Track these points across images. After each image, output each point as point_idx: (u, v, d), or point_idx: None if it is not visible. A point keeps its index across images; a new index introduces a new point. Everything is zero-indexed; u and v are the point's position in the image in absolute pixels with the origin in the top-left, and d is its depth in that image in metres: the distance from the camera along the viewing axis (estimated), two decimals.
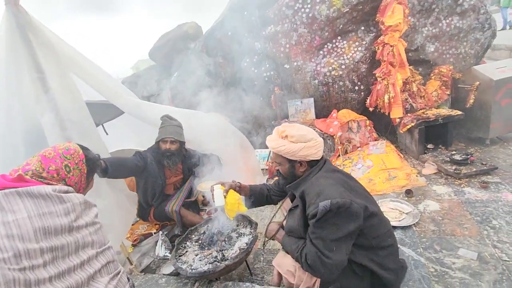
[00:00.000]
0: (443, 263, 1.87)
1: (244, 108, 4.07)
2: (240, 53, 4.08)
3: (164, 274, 2.15)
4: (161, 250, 2.52)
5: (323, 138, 3.77)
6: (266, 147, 4.03)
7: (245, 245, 1.82)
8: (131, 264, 2.02)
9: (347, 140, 3.66)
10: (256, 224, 2.00)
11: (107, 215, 1.86)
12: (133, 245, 2.53)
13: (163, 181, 2.57)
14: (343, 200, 1.24)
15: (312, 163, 1.45)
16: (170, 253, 2.47)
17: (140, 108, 2.45)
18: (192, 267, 1.73)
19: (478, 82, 3.31)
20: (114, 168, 1.97)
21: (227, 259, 1.75)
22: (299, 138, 1.40)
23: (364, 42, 3.58)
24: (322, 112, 3.90)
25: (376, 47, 3.43)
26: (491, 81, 3.18)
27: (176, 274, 2.17)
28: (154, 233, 2.70)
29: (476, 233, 2.08)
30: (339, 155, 3.61)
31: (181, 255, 1.89)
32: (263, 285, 1.64)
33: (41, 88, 1.71)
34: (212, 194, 1.65)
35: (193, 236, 2.11)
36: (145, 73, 9.25)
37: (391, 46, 3.24)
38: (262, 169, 3.71)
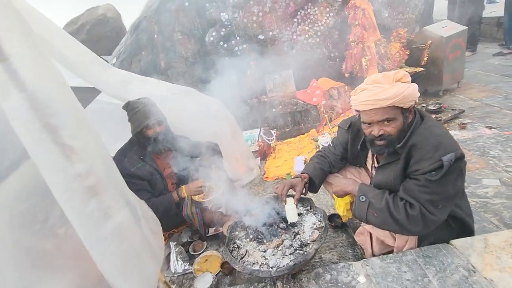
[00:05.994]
0: (478, 195, 2.02)
1: (215, 89, 3.63)
2: (203, 27, 3.58)
3: None
4: (178, 265, 2.06)
5: (306, 109, 3.72)
6: (251, 128, 3.76)
7: (319, 222, 1.57)
8: None
9: (330, 108, 3.67)
10: (310, 200, 1.76)
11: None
12: None
13: (161, 175, 2.15)
14: (463, 151, 1.15)
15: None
16: (190, 265, 2.04)
17: (126, 87, 1.84)
18: (270, 265, 1.40)
19: (430, 41, 3.72)
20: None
21: (307, 243, 1.48)
22: (408, 76, 1.20)
23: (333, 8, 3.59)
24: (301, 83, 3.80)
25: (347, 12, 3.47)
26: (442, 39, 3.61)
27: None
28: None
29: (485, 164, 2.32)
30: (325, 124, 3.60)
31: (243, 257, 1.52)
32: (359, 259, 1.45)
33: None
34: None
35: (238, 233, 1.73)
36: None
37: (362, 9, 3.32)
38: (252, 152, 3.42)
